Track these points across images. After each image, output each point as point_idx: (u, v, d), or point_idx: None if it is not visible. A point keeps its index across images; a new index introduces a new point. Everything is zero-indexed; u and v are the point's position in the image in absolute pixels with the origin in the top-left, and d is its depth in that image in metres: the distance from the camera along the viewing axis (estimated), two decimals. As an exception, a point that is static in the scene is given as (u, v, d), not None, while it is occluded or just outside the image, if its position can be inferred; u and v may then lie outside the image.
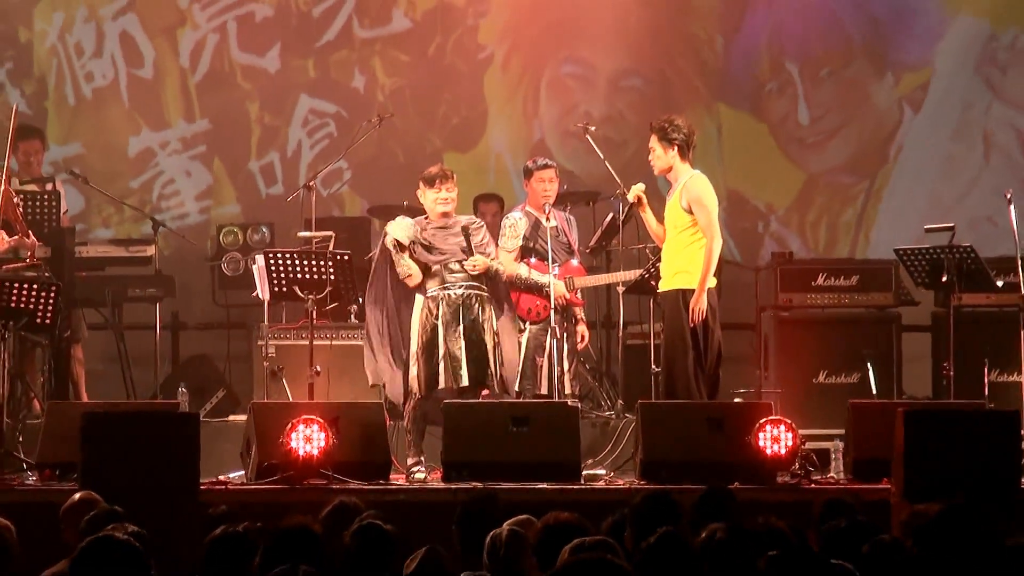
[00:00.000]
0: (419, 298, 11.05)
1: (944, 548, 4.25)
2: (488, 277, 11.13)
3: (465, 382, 10.84)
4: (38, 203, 12.56)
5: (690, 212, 10.88)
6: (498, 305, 11.22)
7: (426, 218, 11.16)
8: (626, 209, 11.65)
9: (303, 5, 15.25)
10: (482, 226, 11.30)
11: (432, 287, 11.01)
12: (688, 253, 10.88)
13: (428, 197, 11.10)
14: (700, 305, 10.76)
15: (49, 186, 12.92)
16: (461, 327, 10.91)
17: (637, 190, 11.10)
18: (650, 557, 5.28)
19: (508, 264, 11.55)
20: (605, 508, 7.52)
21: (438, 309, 10.94)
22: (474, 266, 11.01)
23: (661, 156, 11.01)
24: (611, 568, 4.30)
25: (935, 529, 4.28)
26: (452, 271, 11.02)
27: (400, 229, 11.04)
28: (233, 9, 15.20)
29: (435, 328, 10.92)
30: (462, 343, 10.89)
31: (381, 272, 11.18)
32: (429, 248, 11.02)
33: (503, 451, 10.51)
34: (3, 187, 11.34)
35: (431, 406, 10.92)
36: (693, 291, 10.81)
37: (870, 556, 5.46)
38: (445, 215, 11.08)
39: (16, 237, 11.53)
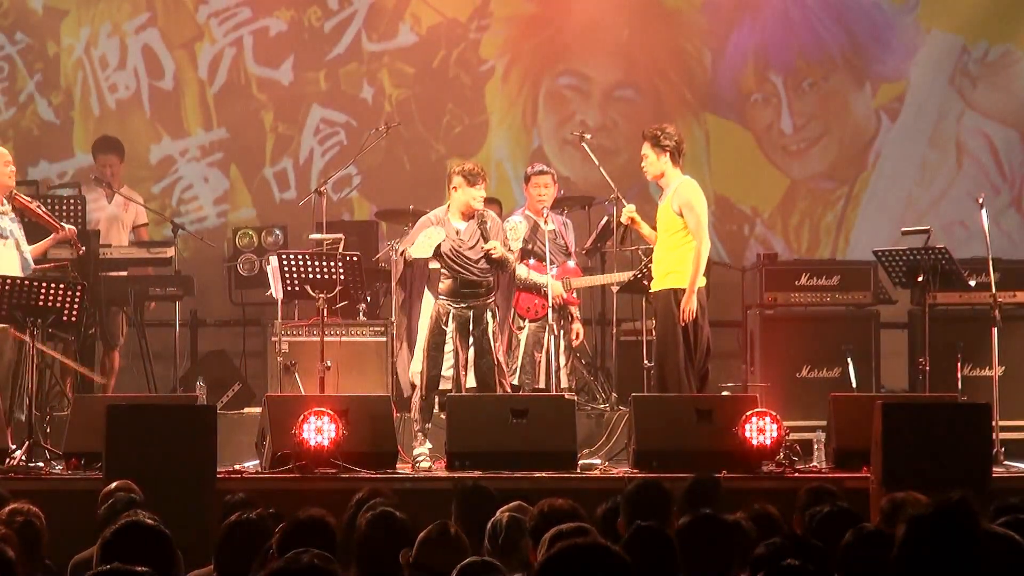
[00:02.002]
0: (429, 297, 10.97)
1: (935, 542, 4.22)
2: (502, 269, 11.00)
3: (472, 383, 10.81)
4: (64, 207, 12.53)
5: (681, 216, 10.85)
6: (504, 305, 11.15)
7: (447, 210, 11.01)
8: (621, 231, 11.51)
9: (315, 20, 15.22)
10: (499, 221, 11.19)
11: (444, 295, 10.91)
12: (678, 254, 10.85)
13: (468, 194, 10.93)
14: (690, 305, 10.72)
15: (121, 205, 13.00)
16: (471, 339, 10.84)
17: (629, 212, 11.08)
18: (633, 543, 5.25)
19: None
20: (600, 496, 7.51)
21: (448, 317, 10.87)
22: (494, 247, 10.88)
23: (654, 162, 10.98)
24: (604, 551, 4.26)
25: (930, 523, 4.24)
26: (462, 282, 10.89)
27: (429, 246, 10.88)
28: (249, 24, 15.17)
29: (443, 333, 10.84)
30: (471, 353, 10.82)
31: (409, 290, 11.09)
32: (459, 254, 10.89)
33: (503, 442, 10.48)
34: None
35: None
36: (684, 291, 10.78)
37: (852, 544, 5.44)
38: (470, 212, 10.98)
39: (52, 236, 11.50)
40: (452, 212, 11.00)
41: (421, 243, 10.81)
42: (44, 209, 11.58)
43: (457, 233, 10.92)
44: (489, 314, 10.91)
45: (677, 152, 10.95)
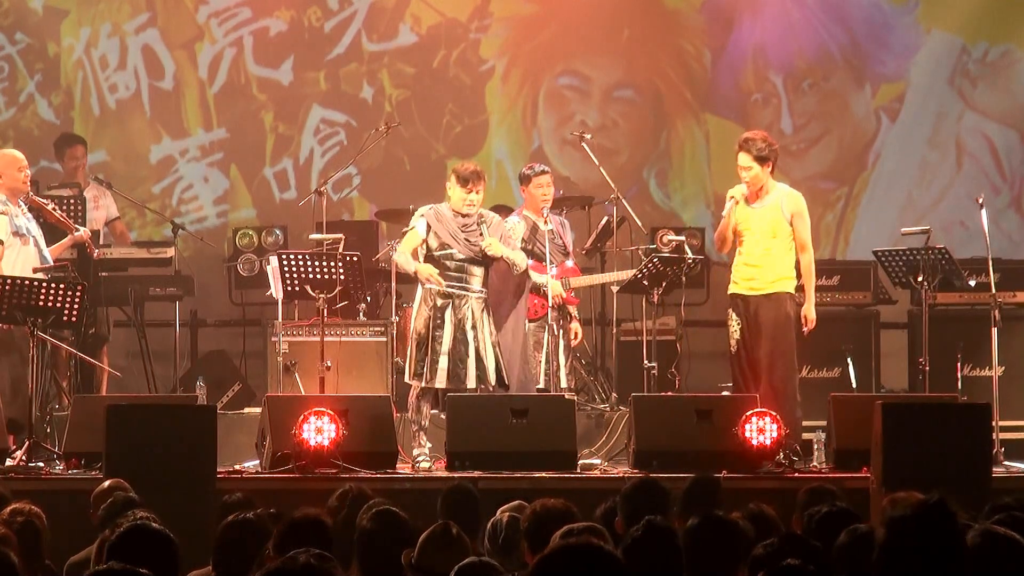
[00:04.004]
0: (420, 290, 10.97)
1: (915, 543, 4.22)
2: (511, 269, 10.98)
3: (443, 383, 10.76)
4: (65, 207, 12.54)
5: (791, 223, 10.99)
6: (510, 304, 11.12)
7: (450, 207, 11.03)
8: (728, 206, 11.35)
9: (315, 21, 15.22)
10: (499, 221, 11.17)
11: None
12: (790, 259, 11.08)
13: (457, 194, 10.97)
14: (812, 314, 11.04)
15: (90, 201, 12.98)
16: (456, 331, 10.80)
17: (742, 191, 11.14)
18: (637, 542, 5.24)
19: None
20: (599, 496, 7.51)
21: (436, 306, 10.83)
22: (489, 245, 10.87)
23: (758, 174, 11.10)
24: (598, 552, 4.25)
25: (910, 524, 4.25)
26: (454, 268, 10.88)
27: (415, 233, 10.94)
28: (249, 24, 15.17)
29: (427, 323, 10.80)
30: (448, 344, 10.78)
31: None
32: (446, 232, 10.88)
33: (503, 442, 10.49)
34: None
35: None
36: (798, 295, 11.03)
37: (848, 544, 5.44)
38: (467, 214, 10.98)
39: (68, 238, 11.55)
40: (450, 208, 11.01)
41: (404, 259, 10.90)
42: (60, 212, 11.61)
43: (453, 215, 10.91)
44: (476, 308, 10.85)
45: (776, 160, 11.12)
